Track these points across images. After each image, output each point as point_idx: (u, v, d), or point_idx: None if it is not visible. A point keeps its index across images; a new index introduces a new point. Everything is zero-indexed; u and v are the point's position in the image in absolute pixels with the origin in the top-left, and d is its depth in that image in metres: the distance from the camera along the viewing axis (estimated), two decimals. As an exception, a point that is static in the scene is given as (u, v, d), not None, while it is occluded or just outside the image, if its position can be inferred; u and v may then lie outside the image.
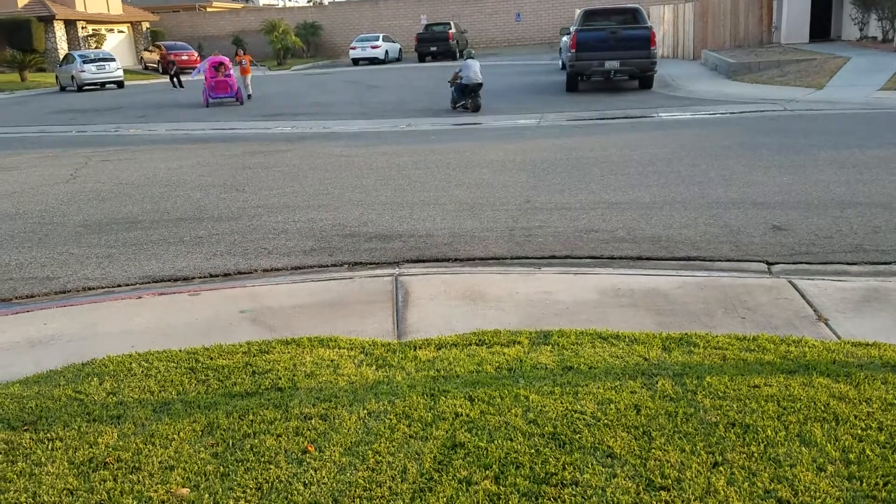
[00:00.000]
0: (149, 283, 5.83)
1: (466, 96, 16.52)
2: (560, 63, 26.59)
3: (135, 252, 6.61)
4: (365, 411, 3.27)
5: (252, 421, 3.24)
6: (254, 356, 3.98)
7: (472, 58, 16.73)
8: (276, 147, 12.91)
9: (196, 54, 39.36)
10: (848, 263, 5.47)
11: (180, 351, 4.12)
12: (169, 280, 5.87)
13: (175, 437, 3.15)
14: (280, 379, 3.67)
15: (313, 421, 3.21)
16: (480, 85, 16.37)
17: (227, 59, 21.08)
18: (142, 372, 3.84)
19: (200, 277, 5.90)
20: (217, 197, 8.79)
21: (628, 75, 18.82)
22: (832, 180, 8.01)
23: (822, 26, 25.84)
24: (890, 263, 5.42)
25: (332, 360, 3.88)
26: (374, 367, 3.80)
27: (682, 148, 10.63)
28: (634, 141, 11.58)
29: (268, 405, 3.38)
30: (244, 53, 22.55)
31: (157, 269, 6.10)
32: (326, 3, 57.83)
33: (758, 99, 15.98)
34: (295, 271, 5.93)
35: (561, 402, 3.26)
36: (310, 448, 3.00)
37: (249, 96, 21.66)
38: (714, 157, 9.83)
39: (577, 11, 21.65)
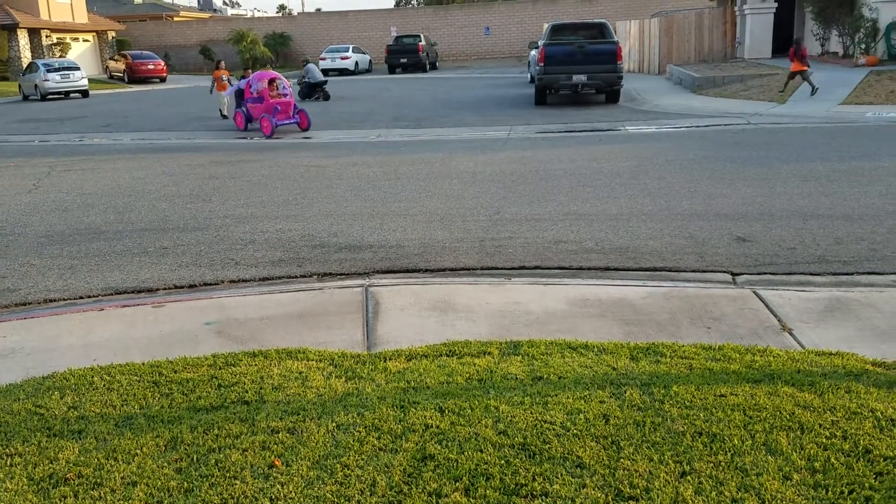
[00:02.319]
0: (112, 294, 5.71)
1: (316, 91, 22.60)
2: (528, 76, 26.84)
3: (98, 263, 6.48)
4: (334, 424, 3.23)
5: (217, 435, 3.18)
6: (220, 369, 3.91)
7: (312, 63, 22.88)
8: (244, 157, 12.79)
9: (162, 63, 38.93)
10: (811, 274, 5.58)
11: (143, 364, 4.04)
12: (132, 292, 5.76)
13: (138, 452, 3.08)
14: (247, 392, 3.61)
15: (280, 434, 3.16)
16: (325, 81, 22.47)
17: (277, 74, 17.00)
18: (104, 385, 3.75)
19: (165, 289, 5.80)
20: (183, 207, 8.66)
21: (595, 89, 19.06)
22: (795, 193, 8.17)
23: (784, 42, 26.44)
24: (852, 274, 5.53)
25: (300, 373, 3.83)
26: (343, 378, 3.76)
27: (649, 161, 10.76)
28: (602, 154, 11.71)
29: (234, 419, 3.32)
30: (224, 68, 20.23)
31: (121, 281, 5.98)
32: (296, 14, 57.75)
33: (722, 113, 16.27)
34: (263, 282, 5.86)
35: (531, 413, 3.26)
36: (277, 462, 2.95)
37: (226, 116, 19.27)
38: (679, 169, 9.97)
39: (545, 26, 21.90)
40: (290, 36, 47.28)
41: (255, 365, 3.95)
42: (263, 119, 15.61)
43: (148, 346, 4.45)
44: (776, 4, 25.20)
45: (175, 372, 3.90)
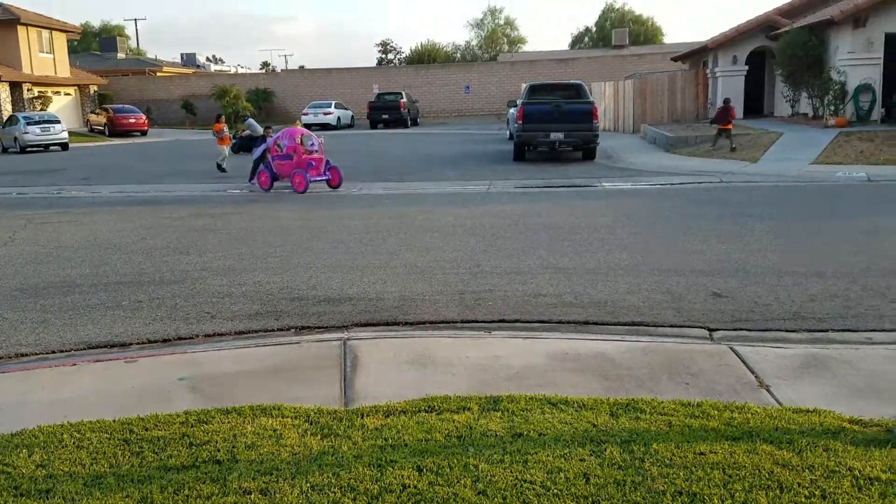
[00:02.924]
0: (84, 349, 5.60)
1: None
2: (508, 133, 27.31)
3: (71, 317, 6.37)
4: (308, 484, 3.15)
5: (188, 496, 3.09)
6: (192, 426, 3.83)
7: (251, 118, 24.25)
8: (224, 209, 12.78)
9: (144, 117, 39.13)
10: (787, 330, 5.62)
11: (114, 421, 3.94)
12: (105, 346, 5.65)
13: (105, 513, 2.98)
14: (219, 451, 3.52)
15: (253, 496, 3.08)
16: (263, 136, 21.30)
17: (306, 130, 16.30)
18: (73, 443, 3.65)
19: (138, 343, 5.70)
20: (160, 260, 8.59)
21: (572, 146, 19.45)
22: (769, 249, 8.30)
23: (755, 103, 27.28)
24: (827, 331, 5.59)
25: (274, 430, 3.75)
26: (318, 436, 3.68)
27: (625, 216, 10.91)
28: (580, 209, 11.86)
29: (205, 479, 3.23)
30: (224, 121, 19.82)
31: (94, 335, 5.88)
32: (279, 71, 58.61)
33: (695, 171, 16.62)
34: (239, 336, 5.79)
35: (510, 472, 3.21)
36: (249, 523, 2.87)
37: (225, 170, 18.95)
38: (655, 225, 10.12)
39: (524, 85, 22.41)
40: (273, 92, 47.87)
41: (229, 422, 3.87)
42: (296, 175, 15.05)
43: (120, 402, 4.35)
44: (747, 67, 26.05)
45: (146, 429, 3.81)
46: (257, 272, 7.84)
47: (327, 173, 15.43)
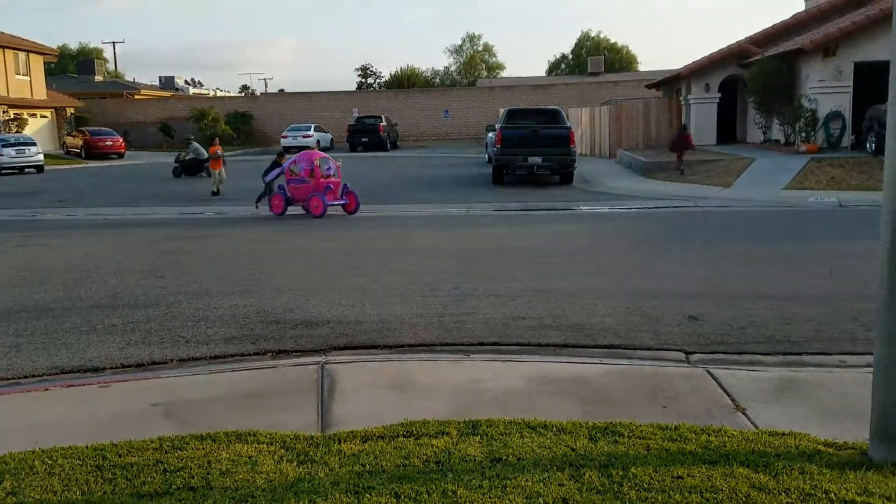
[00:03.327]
0: (57, 374, 5.50)
1: (201, 168, 23.83)
2: (486, 157, 27.48)
3: (44, 341, 6.26)
4: (284, 510, 3.11)
5: (162, 523, 3.04)
6: (165, 453, 3.76)
7: (195, 141, 25.44)
8: (201, 232, 12.68)
9: (121, 140, 38.86)
10: (762, 354, 5.68)
11: (87, 447, 3.86)
12: (78, 371, 5.56)
13: (75, 542, 2.91)
14: (193, 477, 3.46)
15: (228, 522, 3.03)
16: (209, 158, 21.43)
17: (323, 154, 16.23)
18: (45, 470, 3.57)
19: (112, 368, 5.61)
20: (134, 283, 8.49)
21: (550, 170, 19.63)
22: (743, 273, 8.40)
23: (728, 130, 27.73)
24: (801, 354, 5.65)
25: (250, 457, 3.70)
26: (295, 463, 3.64)
27: (603, 240, 11.00)
28: (558, 232, 11.94)
29: (179, 505, 3.18)
30: (218, 143, 19.35)
31: (67, 360, 5.78)
32: (258, 94, 58.63)
33: (670, 196, 16.83)
34: (214, 361, 5.72)
35: (489, 497, 3.19)
36: (224, 551, 2.81)
37: (215, 193, 18.54)
38: (632, 249, 10.21)
39: (502, 110, 22.62)
40: (251, 115, 47.83)
41: (203, 448, 3.81)
42: (314, 199, 14.53)
43: (93, 428, 4.27)
44: (720, 95, 26.53)
45: (119, 456, 3.74)
46: (233, 295, 7.77)
47: (344, 198, 14.96)
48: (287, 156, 16.40)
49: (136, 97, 54.14)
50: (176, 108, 49.03)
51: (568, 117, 23.49)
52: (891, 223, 3.39)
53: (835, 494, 3.15)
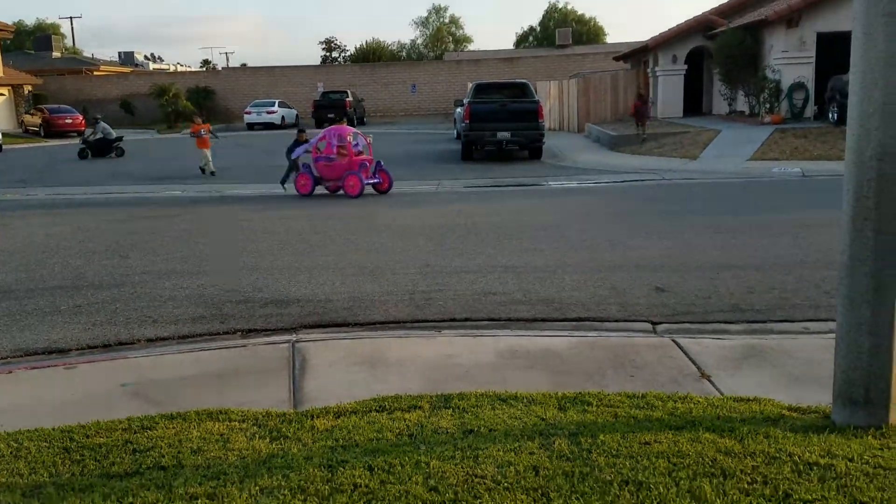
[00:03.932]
0: (21, 356, 5.40)
1: (111, 148, 23.98)
2: (455, 133, 27.39)
3: (6, 324, 6.13)
4: (257, 488, 3.11)
5: (132, 503, 3.01)
6: (135, 433, 3.73)
7: (102, 121, 25.01)
8: (165, 211, 12.48)
9: (81, 117, 37.93)
10: (727, 322, 5.79)
11: (54, 429, 3.81)
12: (43, 353, 5.46)
13: (44, 525, 2.88)
14: (163, 457, 3.44)
15: (200, 501, 3.01)
16: (120, 138, 24.47)
17: (354, 129, 14.93)
18: (10, 453, 3.52)
19: (78, 349, 5.53)
20: (99, 264, 8.34)
21: (519, 146, 19.62)
22: (708, 244, 8.53)
23: (694, 101, 27.98)
24: (765, 322, 5.78)
25: (221, 434, 3.69)
26: (267, 439, 3.63)
27: (571, 214, 11.07)
28: (527, 207, 11.98)
29: (149, 486, 3.15)
30: (203, 122, 18.32)
31: (31, 342, 5.67)
32: (220, 69, 57.52)
33: (638, 169, 16.96)
34: (182, 340, 5.66)
35: (462, 467, 3.22)
36: (197, 529, 2.81)
37: (213, 173, 17.70)
38: (600, 223, 10.29)
39: (470, 84, 22.52)
40: (213, 90, 46.94)
41: (173, 428, 3.79)
42: (350, 178, 13.56)
43: (59, 410, 4.21)
44: (686, 66, 26.70)
45: (87, 437, 3.69)
46: (201, 275, 7.68)
47: (377, 176, 14.03)
48: (308, 131, 15.58)
49: (96, 74, 52.76)
50: (136, 84, 47.92)
51: (536, 91, 23.47)
52: (852, 191, 3.46)
53: (799, 457, 3.24)
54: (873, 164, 3.37)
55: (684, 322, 5.82)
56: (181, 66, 79.23)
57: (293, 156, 14.72)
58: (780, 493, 2.96)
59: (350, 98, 39.38)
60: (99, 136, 23.84)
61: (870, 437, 3.42)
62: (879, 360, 3.47)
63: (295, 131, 15.82)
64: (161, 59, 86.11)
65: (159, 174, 18.53)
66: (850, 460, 3.19)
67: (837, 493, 2.93)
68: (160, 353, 5.31)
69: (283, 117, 39.60)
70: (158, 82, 44.40)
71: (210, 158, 17.80)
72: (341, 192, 13.90)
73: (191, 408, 4.08)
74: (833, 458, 3.21)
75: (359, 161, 13.84)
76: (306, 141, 14.51)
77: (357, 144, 14.26)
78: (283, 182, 14.91)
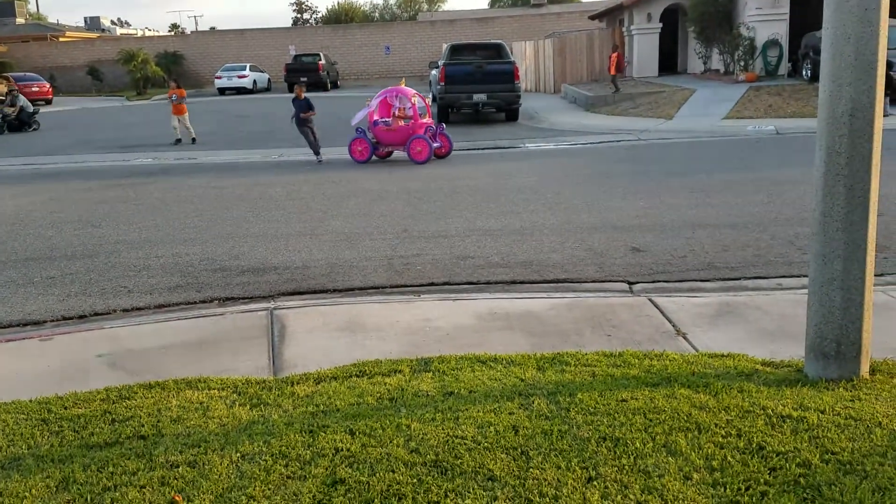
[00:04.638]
0: (-7, 329, 5.33)
1: (32, 121, 22.65)
2: (431, 95, 27.12)
3: (-24, 297, 6.04)
4: (238, 454, 3.12)
5: (112, 473, 3.01)
6: (113, 403, 3.71)
7: (20, 93, 23.36)
8: (137, 180, 12.28)
9: (48, 85, 36.98)
10: (701, 280, 5.86)
11: (31, 401, 3.78)
12: (18, 325, 5.40)
13: (27, 494, 2.87)
14: (143, 426, 3.43)
15: (181, 469, 3.02)
16: (37, 111, 23.39)
17: (412, 90, 13.61)
18: (-15, 428, 3.48)
19: (53, 321, 5.46)
20: (71, 234, 8.21)
21: (495, 108, 19.49)
22: (684, 204, 8.59)
23: (670, 61, 27.91)
24: (739, 279, 5.85)
25: (200, 403, 3.68)
26: (247, 406, 3.64)
27: (548, 176, 11.06)
28: (504, 170, 11.94)
29: (130, 455, 3.15)
30: (177, 87, 17.24)
31: (4, 314, 5.59)
32: (189, 33, 56.20)
33: (614, 130, 16.95)
34: (159, 310, 5.62)
35: (442, 429, 3.25)
36: (177, 498, 2.82)
37: (194, 140, 17.14)
38: (577, 184, 10.30)
39: (445, 46, 22.24)
40: (182, 55, 45.95)
41: (152, 397, 3.77)
42: (417, 142, 12.63)
43: (36, 381, 4.17)
44: (661, 25, 26.56)
45: (65, 408, 3.67)
46: (175, 244, 7.59)
47: (437, 139, 13.16)
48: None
49: (62, 40, 51.30)
50: (103, 50, 46.75)
51: (512, 52, 23.27)
52: (825, 148, 3.49)
53: (772, 410, 3.31)
54: (845, 121, 3.39)
55: (660, 281, 5.87)
56: (149, 30, 77.20)
57: (354, 122, 13.47)
58: (754, 445, 3.02)
59: (323, 61, 38.72)
60: (18, 109, 22.12)
61: (841, 390, 3.50)
62: (851, 315, 3.53)
63: (292, 96, 14.22)
64: (128, 24, 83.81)
65: (131, 142, 18.18)
66: (822, 412, 3.27)
67: (809, 444, 3.00)
68: (136, 323, 5.26)
69: (254, 81, 38.90)
70: (126, 48, 43.29)
71: (189, 125, 17.23)
72: (449, 155, 13.13)
73: (169, 377, 4.06)
74: (805, 411, 3.28)
75: (424, 125, 12.96)
76: (305, 98, 13.30)
77: (413, 108, 13.22)
78: (316, 153, 13.61)
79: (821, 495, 2.67)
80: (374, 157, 13.18)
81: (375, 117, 13.05)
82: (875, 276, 3.96)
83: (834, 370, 3.62)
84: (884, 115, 3.63)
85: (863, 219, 3.45)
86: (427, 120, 13.32)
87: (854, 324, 3.55)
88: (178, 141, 17.13)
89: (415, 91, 13.52)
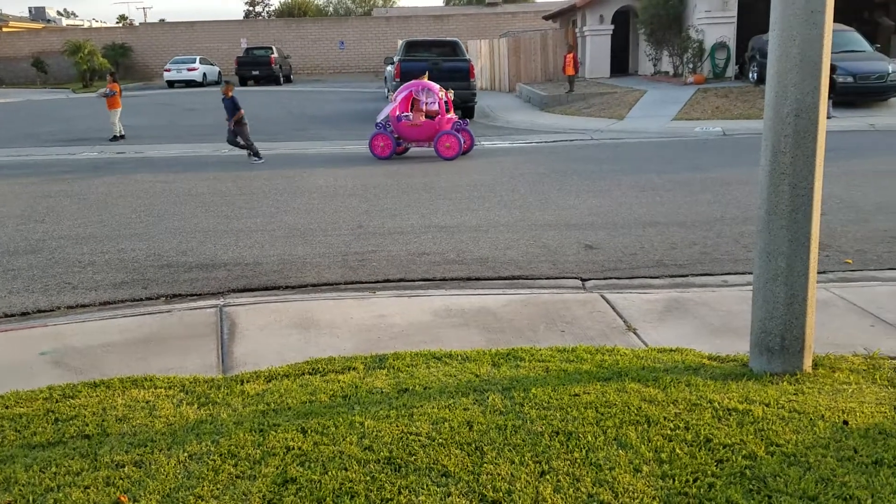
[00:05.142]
0: (-73, 328, 5.10)
1: None
2: (386, 92, 27.00)
3: None
4: (185, 454, 3.05)
5: (56, 473, 2.91)
6: (56, 402, 3.59)
7: None
8: (82, 174, 11.92)
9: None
10: (651, 277, 5.97)
11: (-33, 402, 3.63)
12: (-47, 323, 5.18)
13: (-41, 501, 2.76)
14: (87, 425, 3.33)
15: (126, 469, 2.94)
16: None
17: (429, 83, 13.08)
18: (-83, 430, 3.34)
19: (-8, 319, 5.26)
20: (13, 229, 7.93)
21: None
22: (635, 202, 8.73)
23: (621, 61, 28.35)
24: (687, 276, 5.97)
25: (147, 402, 3.59)
26: (195, 405, 3.56)
27: (503, 174, 11.12)
28: (460, 167, 11.96)
29: (74, 455, 3.05)
30: (113, 81, 16.58)
31: (-62, 312, 5.37)
32: (137, 24, 54.81)
33: (567, 129, 17.14)
34: (104, 307, 5.47)
35: (396, 426, 3.24)
36: (123, 499, 2.74)
37: (122, 136, 16.34)
38: (532, 182, 10.38)
39: (400, 42, 22.16)
40: (130, 47, 44.82)
41: (97, 396, 3.66)
42: (445, 138, 12.32)
43: (-29, 382, 4.01)
44: (613, 26, 26.94)
45: (6, 407, 3.54)
46: (121, 239, 7.40)
47: (460, 135, 12.82)
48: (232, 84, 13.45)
49: (5, 30, 49.42)
50: (49, 41, 45.26)
51: (467, 50, 23.30)
52: (770, 147, 3.57)
53: (718, 403, 3.38)
54: (790, 121, 3.49)
55: (612, 278, 5.96)
56: (96, 21, 75.07)
57: (379, 118, 12.93)
58: (702, 437, 3.09)
59: (275, 55, 38.21)
60: None
61: (785, 383, 3.60)
62: (794, 310, 3.63)
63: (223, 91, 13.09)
64: (75, 15, 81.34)
65: (76, 135, 17.64)
66: (767, 405, 3.35)
67: (755, 437, 3.08)
68: (81, 321, 5.11)
69: (204, 74, 38.15)
70: (73, 39, 41.96)
71: (117, 121, 16.45)
72: (470, 152, 12.69)
73: (114, 375, 3.95)
74: (751, 404, 3.36)
75: (451, 120, 12.62)
76: (231, 97, 12.62)
77: (433, 101, 12.84)
78: (252, 153, 12.81)
79: (766, 486, 2.74)
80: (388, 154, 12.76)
81: (399, 112, 12.63)
82: (818, 273, 4.10)
83: (778, 364, 3.71)
84: (827, 118, 3.73)
85: (806, 217, 3.54)
86: (452, 115, 12.94)
87: (797, 319, 3.64)
88: (121, 137, 16.53)
89: (434, 85, 13.07)
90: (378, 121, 13.04)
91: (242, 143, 12.85)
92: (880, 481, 2.73)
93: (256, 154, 12.80)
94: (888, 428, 3.13)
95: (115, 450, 3.09)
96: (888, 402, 3.41)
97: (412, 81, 13.17)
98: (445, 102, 12.84)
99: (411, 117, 12.62)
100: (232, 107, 12.64)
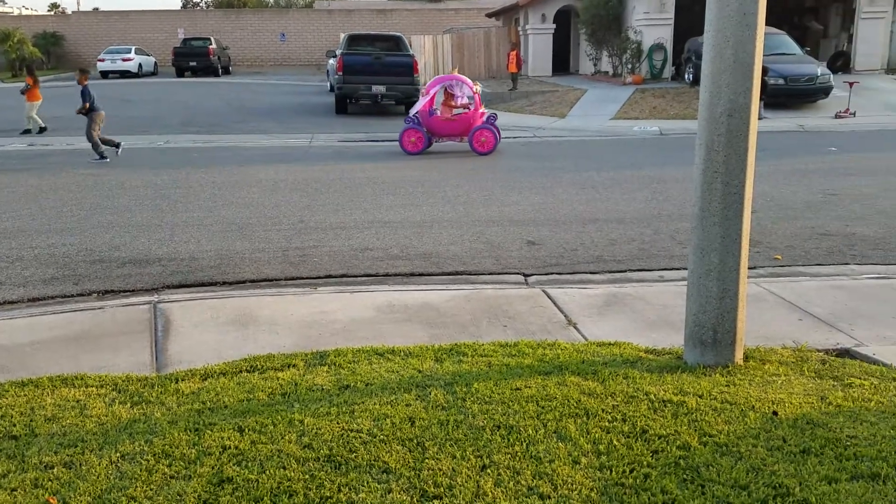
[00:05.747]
0: None
1: None
2: (329, 85, 26.72)
3: None
4: (118, 454, 2.95)
5: (-23, 478, 2.78)
6: (-21, 403, 3.43)
7: None
8: (10, 166, 11.42)
9: None
10: (591, 273, 6.06)
11: None
12: None
13: None
14: (14, 426, 3.19)
15: (56, 470, 2.83)
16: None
17: (460, 76, 12.89)
18: None
19: None
20: (-69, 223, 7.54)
21: (395, 100, 19.44)
22: (575, 199, 8.86)
23: (563, 61, 28.74)
24: (625, 272, 6.09)
25: (77, 401, 3.46)
26: (128, 404, 3.45)
27: (448, 171, 11.14)
28: (403, 163, 11.93)
29: (0, 456, 2.93)
30: (29, 74, 16.09)
31: None
32: (70, 13, 52.78)
33: (511, 126, 17.27)
34: (32, 303, 5.25)
35: (337, 423, 3.20)
36: (52, 500, 2.64)
37: (44, 129, 15.66)
38: (475, 179, 10.43)
39: (342, 35, 21.96)
40: (63, 36, 43.11)
41: (25, 395, 3.51)
42: (483, 132, 12.18)
43: None
44: (555, 26, 27.28)
45: (-79, 412, 3.36)
46: (51, 234, 7.12)
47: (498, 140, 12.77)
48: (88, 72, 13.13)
49: (-78, 13, 46.99)
50: (-27, 27, 43.12)
51: (411, 45, 23.24)
52: (704, 147, 3.67)
53: (654, 395, 3.46)
54: (723, 121, 3.59)
55: (553, 273, 6.04)
56: (26, 9, 71.87)
57: (411, 112, 12.71)
58: (638, 429, 3.15)
59: (213, 45, 37.32)
60: None
61: (718, 375, 3.71)
62: (726, 304, 3.74)
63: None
64: (4, 2, 77.67)
65: (4, 126, 16.87)
66: (700, 397, 3.45)
67: (689, 428, 3.16)
68: (8, 318, 4.89)
69: (140, 65, 37.00)
70: (1, 27, 40.13)
71: (33, 114, 15.69)
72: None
73: (43, 374, 3.80)
74: (685, 396, 3.45)
75: (483, 114, 12.39)
76: (84, 86, 12.03)
77: (461, 96, 12.73)
78: (99, 151, 11.99)
79: (699, 476, 2.81)
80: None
81: (431, 106, 12.40)
82: (749, 268, 4.23)
83: (711, 357, 3.82)
84: (758, 118, 3.86)
85: (738, 214, 3.65)
86: (483, 109, 12.71)
87: (729, 313, 3.76)
88: (43, 129, 15.81)
89: (465, 79, 12.85)
90: (411, 114, 12.79)
91: (86, 137, 12.04)
92: (808, 469, 2.84)
93: (102, 155, 11.94)
94: (815, 418, 3.25)
95: (43, 451, 2.97)
96: (815, 392, 3.55)
97: (443, 75, 12.97)
98: (472, 97, 12.60)
99: (439, 112, 12.37)
100: (82, 97, 11.94)
